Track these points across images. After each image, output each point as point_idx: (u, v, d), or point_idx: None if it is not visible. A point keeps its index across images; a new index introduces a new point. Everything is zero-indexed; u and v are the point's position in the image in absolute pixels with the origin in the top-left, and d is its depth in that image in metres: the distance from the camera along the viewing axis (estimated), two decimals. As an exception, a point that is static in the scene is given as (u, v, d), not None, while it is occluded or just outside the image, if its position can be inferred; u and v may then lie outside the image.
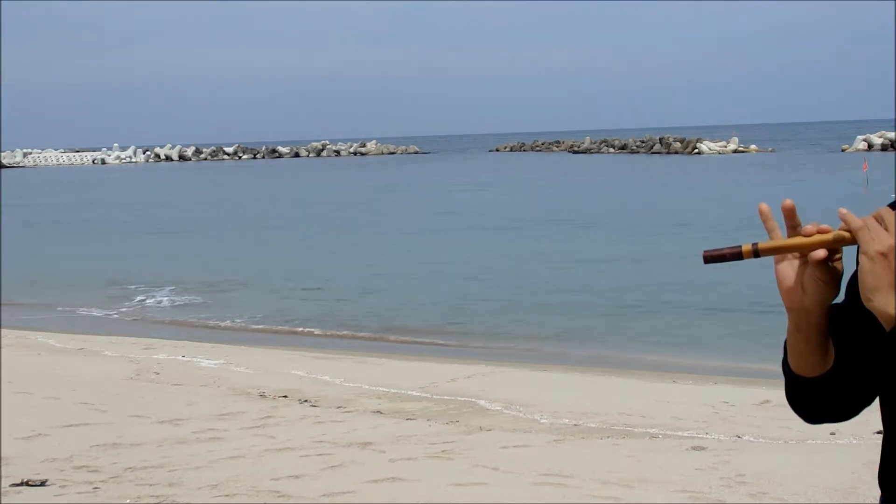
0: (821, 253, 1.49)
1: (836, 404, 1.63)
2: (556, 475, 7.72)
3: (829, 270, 1.51)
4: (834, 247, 1.49)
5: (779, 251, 1.52)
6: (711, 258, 1.53)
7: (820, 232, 1.51)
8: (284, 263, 25.89)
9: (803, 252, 1.51)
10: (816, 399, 1.64)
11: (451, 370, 12.94)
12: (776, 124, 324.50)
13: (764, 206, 1.53)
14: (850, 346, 1.58)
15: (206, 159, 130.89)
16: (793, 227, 1.51)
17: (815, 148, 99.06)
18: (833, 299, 1.54)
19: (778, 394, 11.20)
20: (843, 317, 1.59)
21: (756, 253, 1.52)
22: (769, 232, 1.54)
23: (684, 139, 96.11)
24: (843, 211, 1.49)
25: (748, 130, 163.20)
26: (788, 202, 1.50)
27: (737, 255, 1.52)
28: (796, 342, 1.58)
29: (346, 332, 16.86)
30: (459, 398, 11.18)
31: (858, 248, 1.48)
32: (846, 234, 1.48)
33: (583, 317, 17.31)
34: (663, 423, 9.81)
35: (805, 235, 1.50)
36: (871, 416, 1.86)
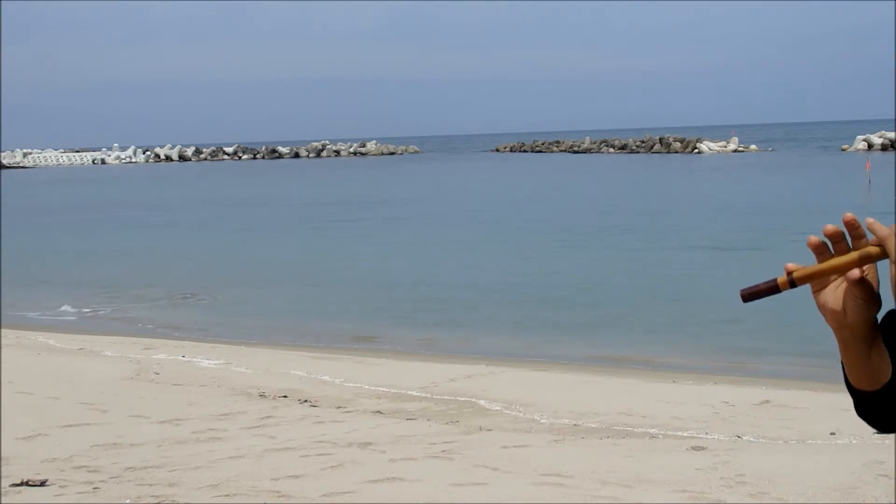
0: (856, 273, 1.48)
1: None
2: (556, 475, 7.72)
3: (865, 286, 1.51)
4: (864, 263, 1.49)
5: (814, 277, 1.52)
6: (750, 296, 1.54)
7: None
8: (284, 263, 25.90)
9: (838, 273, 1.51)
10: (887, 410, 1.62)
11: (451, 370, 12.94)
12: (776, 124, 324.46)
13: (813, 238, 1.52)
14: None
15: (206, 159, 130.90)
16: (857, 237, 1.51)
17: (815, 148, 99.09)
18: (876, 312, 1.53)
19: (778, 394, 11.20)
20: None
21: (792, 283, 1.52)
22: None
23: (684, 139, 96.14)
24: (871, 220, 1.48)
25: (748, 130, 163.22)
26: (849, 215, 1.50)
27: (773, 288, 1.52)
28: (849, 359, 1.57)
29: (345, 333, 16.85)
30: (459, 398, 11.18)
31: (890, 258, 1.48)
32: (872, 250, 1.48)
33: (583, 316, 17.31)
34: (663, 423, 9.81)
35: (826, 235, 1.50)
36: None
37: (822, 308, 1.54)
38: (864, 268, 1.51)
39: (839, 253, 1.51)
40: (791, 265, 1.53)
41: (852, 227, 1.50)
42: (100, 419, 9.98)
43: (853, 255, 1.49)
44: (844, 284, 1.52)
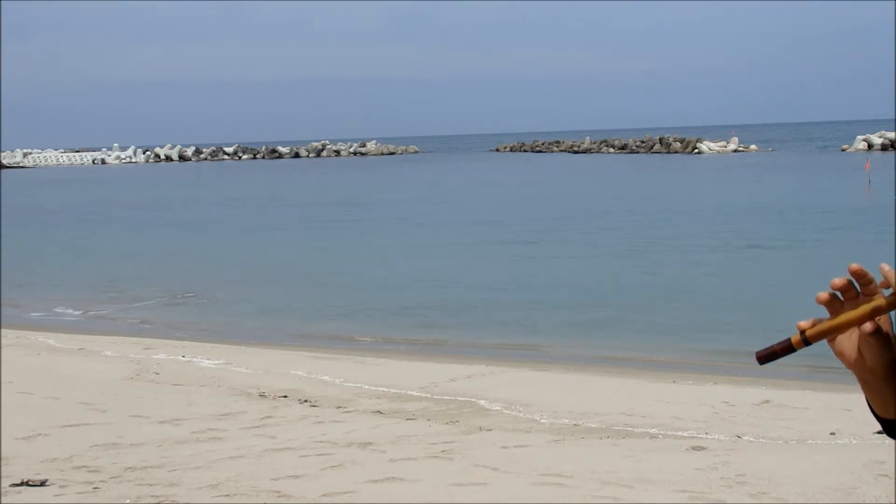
0: (868, 327, 1.50)
1: None
2: (556, 475, 7.72)
3: (880, 334, 1.53)
4: (876, 316, 1.51)
5: (827, 334, 1.54)
6: (765, 358, 1.57)
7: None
8: (284, 263, 25.90)
9: (850, 327, 1.53)
10: None
11: (451, 370, 12.94)
12: (776, 124, 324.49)
13: (822, 295, 1.54)
14: None
15: (206, 159, 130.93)
16: (865, 284, 1.52)
17: (815, 148, 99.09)
18: (893, 353, 1.55)
19: (778, 394, 11.20)
20: None
21: (806, 341, 1.54)
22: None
23: (684, 139, 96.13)
24: (887, 268, 1.50)
25: (748, 130, 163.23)
26: (854, 266, 1.51)
27: (787, 348, 1.55)
28: (871, 395, 1.61)
29: (345, 333, 16.86)
30: (459, 398, 11.18)
31: None
32: (883, 302, 1.50)
33: (583, 316, 17.31)
34: (663, 423, 9.81)
35: (835, 288, 1.52)
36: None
37: (840, 356, 1.56)
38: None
39: (849, 300, 1.52)
40: (803, 323, 1.55)
41: (859, 275, 1.51)
42: (100, 419, 9.98)
43: (865, 308, 1.50)
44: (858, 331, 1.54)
